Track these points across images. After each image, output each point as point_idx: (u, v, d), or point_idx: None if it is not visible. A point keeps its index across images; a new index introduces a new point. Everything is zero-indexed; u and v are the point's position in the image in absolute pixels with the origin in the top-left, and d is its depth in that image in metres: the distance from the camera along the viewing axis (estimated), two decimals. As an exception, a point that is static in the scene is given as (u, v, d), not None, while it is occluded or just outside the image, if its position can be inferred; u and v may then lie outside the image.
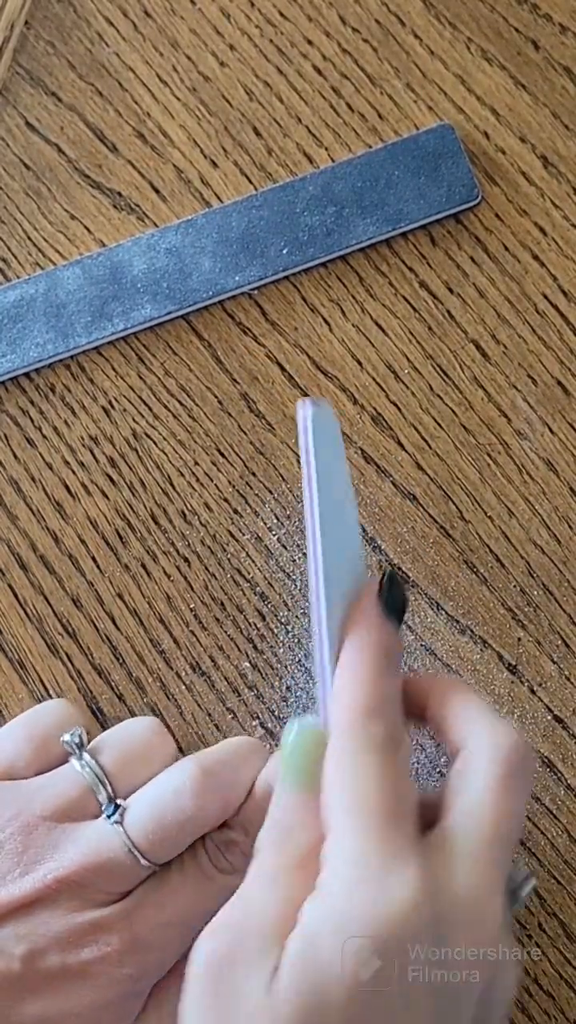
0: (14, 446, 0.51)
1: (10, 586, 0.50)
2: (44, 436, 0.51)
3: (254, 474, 0.50)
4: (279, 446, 0.50)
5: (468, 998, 0.33)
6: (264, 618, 0.49)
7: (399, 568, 0.49)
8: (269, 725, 0.48)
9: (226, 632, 0.49)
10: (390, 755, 0.35)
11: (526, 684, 0.48)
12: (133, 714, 0.48)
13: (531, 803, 0.47)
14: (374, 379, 0.51)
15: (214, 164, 0.54)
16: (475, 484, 0.50)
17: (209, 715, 0.48)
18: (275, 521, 0.50)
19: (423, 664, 0.48)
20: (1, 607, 0.49)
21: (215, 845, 0.42)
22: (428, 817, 0.35)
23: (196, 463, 0.51)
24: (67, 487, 0.51)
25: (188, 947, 0.42)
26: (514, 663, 0.48)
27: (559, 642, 0.48)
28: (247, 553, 0.49)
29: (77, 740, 0.43)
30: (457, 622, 0.49)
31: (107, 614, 0.49)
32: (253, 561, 0.49)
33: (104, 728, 0.47)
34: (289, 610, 0.49)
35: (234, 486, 0.50)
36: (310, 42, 0.55)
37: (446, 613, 0.48)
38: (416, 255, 0.52)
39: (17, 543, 0.50)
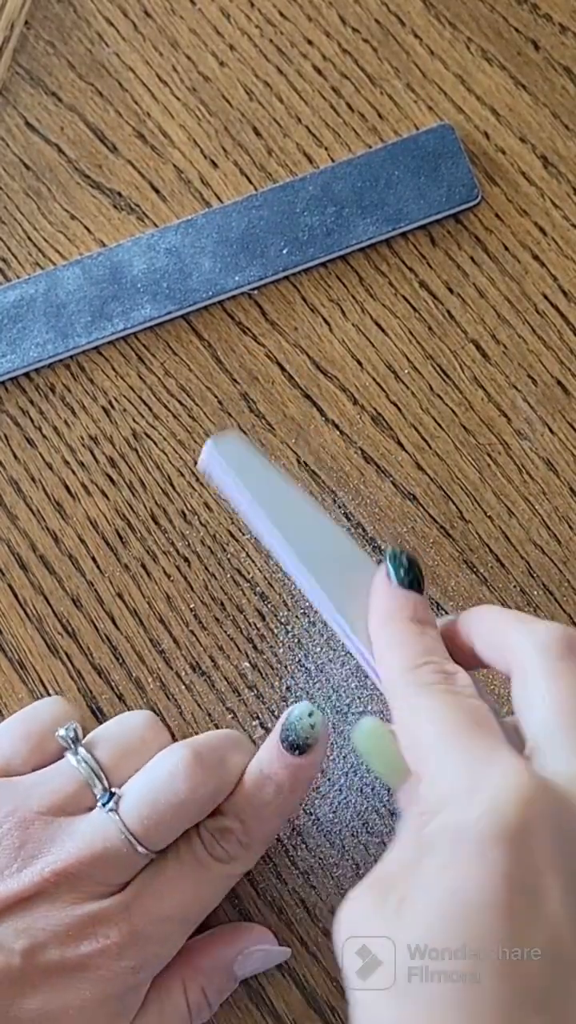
0: (14, 446, 0.51)
1: (10, 586, 0.50)
2: (44, 436, 0.51)
3: (254, 474, 0.50)
4: (279, 446, 0.50)
5: None
6: (264, 618, 0.49)
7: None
8: (269, 725, 0.48)
9: (226, 632, 0.49)
10: (447, 685, 0.36)
11: (526, 684, 0.48)
12: (133, 714, 0.48)
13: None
14: (374, 379, 0.51)
15: (214, 164, 0.54)
16: (475, 484, 0.50)
17: (209, 715, 0.48)
18: (275, 521, 0.50)
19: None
20: (1, 607, 0.49)
21: (210, 833, 0.42)
22: (515, 742, 0.35)
23: (196, 463, 0.51)
24: (67, 487, 0.51)
25: (186, 939, 0.43)
26: (514, 663, 0.48)
27: (559, 642, 0.48)
28: (247, 553, 0.49)
29: (72, 735, 0.43)
30: (457, 622, 0.49)
31: (107, 614, 0.49)
32: (253, 561, 0.49)
33: (104, 728, 0.47)
34: (289, 610, 0.49)
35: (234, 486, 0.50)
36: (310, 42, 0.55)
37: (446, 613, 0.48)
38: (416, 255, 0.52)
39: (17, 543, 0.50)
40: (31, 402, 0.51)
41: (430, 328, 0.51)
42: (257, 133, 0.54)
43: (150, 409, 0.51)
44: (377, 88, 0.54)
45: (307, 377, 0.51)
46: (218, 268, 0.52)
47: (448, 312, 0.52)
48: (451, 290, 0.52)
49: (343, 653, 0.48)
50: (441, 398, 0.51)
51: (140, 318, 0.51)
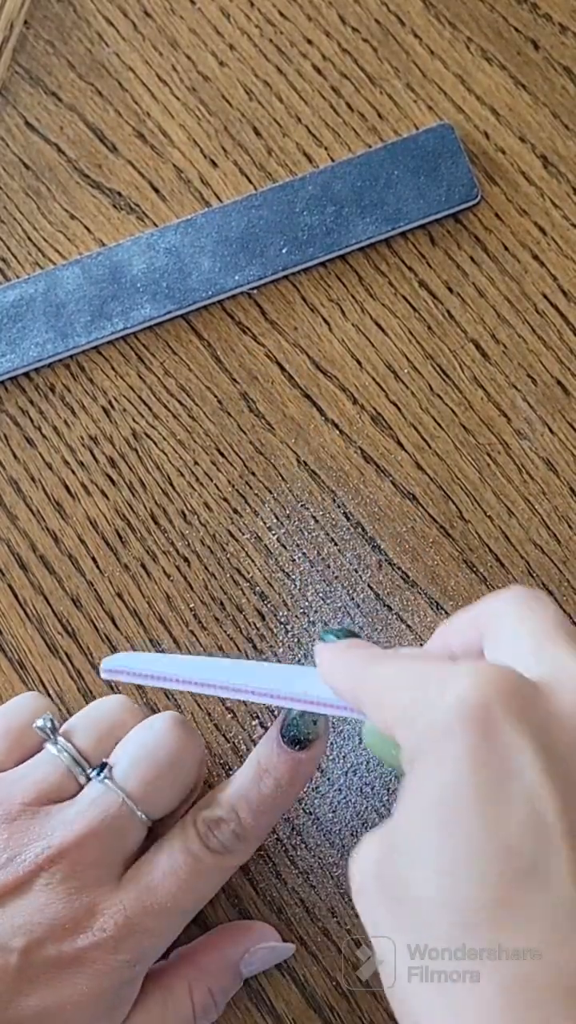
0: (14, 446, 0.51)
1: (10, 586, 0.50)
2: (44, 436, 0.51)
3: (254, 474, 0.50)
4: (279, 446, 0.50)
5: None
6: (264, 618, 0.49)
7: (399, 568, 0.49)
8: (268, 725, 0.48)
9: (226, 632, 0.49)
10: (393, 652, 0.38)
11: (526, 684, 0.48)
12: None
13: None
14: (374, 379, 0.51)
15: (214, 164, 0.54)
16: (475, 484, 0.50)
17: (209, 715, 0.48)
18: (275, 521, 0.50)
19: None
20: (1, 607, 0.49)
21: (205, 825, 0.42)
22: None
23: (196, 463, 0.51)
24: (67, 487, 0.51)
25: (187, 938, 0.43)
26: (514, 663, 0.48)
27: (559, 642, 0.48)
28: (247, 553, 0.49)
29: (49, 725, 0.44)
30: (457, 622, 0.49)
31: (107, 614, 0.49)
32: (253, 561, 0.49)
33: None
34: (289, 610, 0.49)
35: (234, 486, 0.50)
36: (310, 42, 0.55)
37: (446, 613, 0.48)
38: (416, 255, 0.52)
39: (17, 543, 0.50)
40: (31, 402, 0.51)
41: (430, 328, 0.51)
42: (257, 133, 0.54)
43: (150, 409, 0.51)
44: (377, 88, 0.54)
45: (307, 377, 0.51)
46: (218, 268, 0.52)
47: (448, 312, 0.52)
48: (451, 290, 0.52)
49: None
50: (441, 398, 0.51)
51: (140, 318, 0.51)
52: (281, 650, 0.48)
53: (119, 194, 0.53)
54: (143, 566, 0.50)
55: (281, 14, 0.55)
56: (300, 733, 0.42)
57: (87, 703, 0.48)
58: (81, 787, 0.43)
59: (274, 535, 0.50)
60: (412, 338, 0.51)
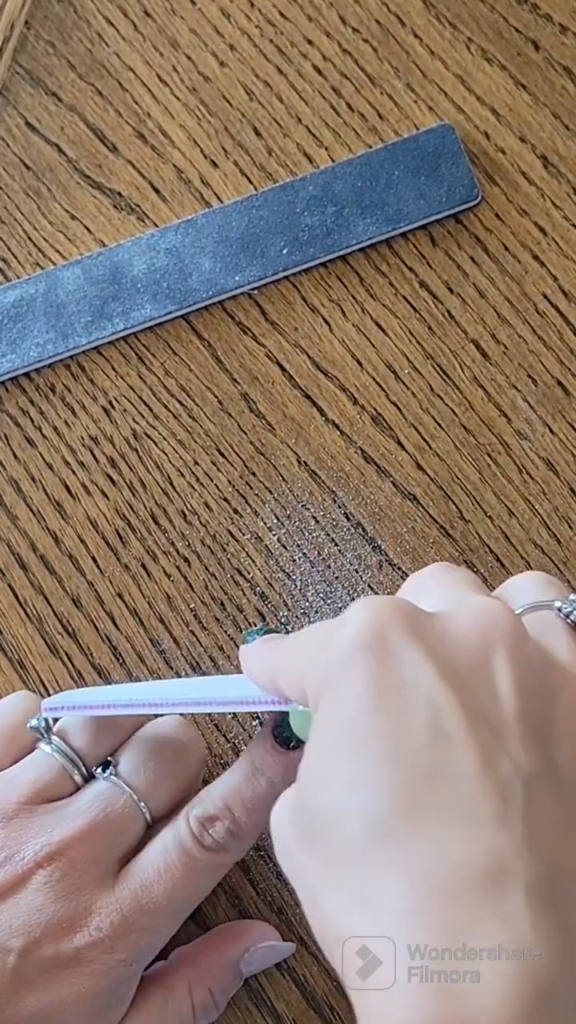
0: (14, 446, 0.51)
1: (10, 586, 0.50)
2: (44, 436, 0.51)
3: (254, 474, 0.50)
4: (279, 446, 0.50)
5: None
6: (264, 618, 0.49)
7: (399, 568, 0.49)
8: (269, 725, 0.48)
9: (226, 632, 0.49)
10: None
11: (526, 684, 0.48)
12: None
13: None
14: (374, 379, 0.51)
15: (214, 164, 0.54)
16: (475, 484, 0.50)
17: (209, 715, 0.48)
18: (275, 521, 0.50)
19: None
20: (1, 607, 0.50)
21: (199, 822, 0.42)
22: None
23: (196, 463, 0.51)
24: (67, 487, 0.51)
25: (185, 937, 0.43)
26: (514, 663, 0.48)
27: (559, 642, 0.48)
28: (247, 553, 0.49)
29: (43, 724, 0.44)
30: (457, 622, 0.48)
31: (107, 614, 0.49)
32: (253, 561, 0.49)
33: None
34: (289, 610, 0.49)
35: (234, 486, 0.50)
36: (310, 42, 0.55)
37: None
38: (416, 255, 0.52)
39: (17, 543, 0.50)
40: (31, 402, 0.51)
41: (430, 328, 0.52)
42: (257, 133, 0.54)
43: (150, 409, 0.51)
44: (377, 88, 0.54)
45: (307, 377, 0.51)
46: (218, 268, 0.52)
47: (448, 312, 0.52)
48: (451, 290, 0.52)
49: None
50: (441, 398, 0.51)
51: (140, 318, 0.51)
52: (281, 650, 0.48)
53: (119, 194, 0.53)
54: (143, 566, 0.50)
55: (281, 14, 0.55)
56: (292, 733, 0.42)
57: (87, 703, 0.48)
58: (77, 786, 0.43)
59: (274, 535, 0.50)
60: (412, 338, 0.51)
